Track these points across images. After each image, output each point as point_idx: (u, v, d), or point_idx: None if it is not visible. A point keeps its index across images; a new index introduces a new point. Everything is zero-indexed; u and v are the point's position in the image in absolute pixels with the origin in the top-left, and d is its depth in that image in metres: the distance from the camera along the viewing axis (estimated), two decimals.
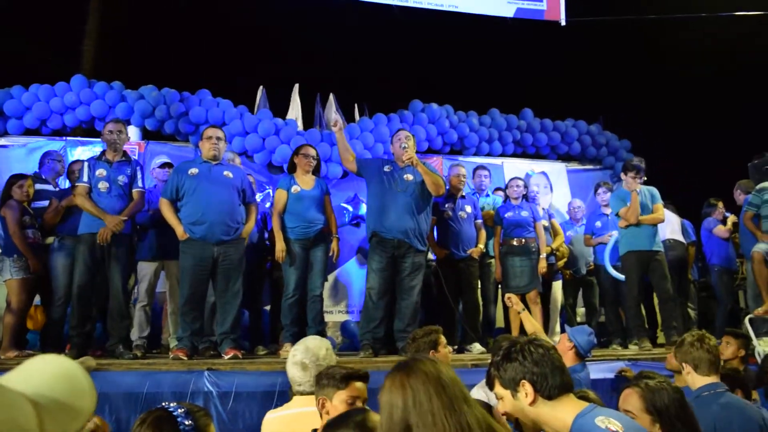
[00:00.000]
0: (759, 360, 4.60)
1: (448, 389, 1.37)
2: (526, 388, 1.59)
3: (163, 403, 1.73)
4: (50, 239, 5.12)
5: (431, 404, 1.35)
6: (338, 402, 2.09)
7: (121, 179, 4.79)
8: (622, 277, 5.94)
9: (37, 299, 5.23)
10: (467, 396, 1.41)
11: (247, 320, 5.72)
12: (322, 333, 5.71)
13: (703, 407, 2.36)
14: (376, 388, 1.65)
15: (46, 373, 0.78)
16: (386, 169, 5.03)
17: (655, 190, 5.74)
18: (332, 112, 7.31)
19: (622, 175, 5.79)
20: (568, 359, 3.38)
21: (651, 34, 11.49)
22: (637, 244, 5.55)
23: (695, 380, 2.58)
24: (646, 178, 5.65)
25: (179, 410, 1.61)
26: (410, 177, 5.00)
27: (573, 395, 1.63)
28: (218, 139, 4.84)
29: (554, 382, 1.59)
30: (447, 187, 5.50)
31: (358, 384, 2.19)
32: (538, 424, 1.63)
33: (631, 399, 1.95)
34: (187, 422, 1.58)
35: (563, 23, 8.32)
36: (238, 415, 3.86)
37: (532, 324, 4.05)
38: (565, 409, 1.58)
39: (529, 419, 1.63)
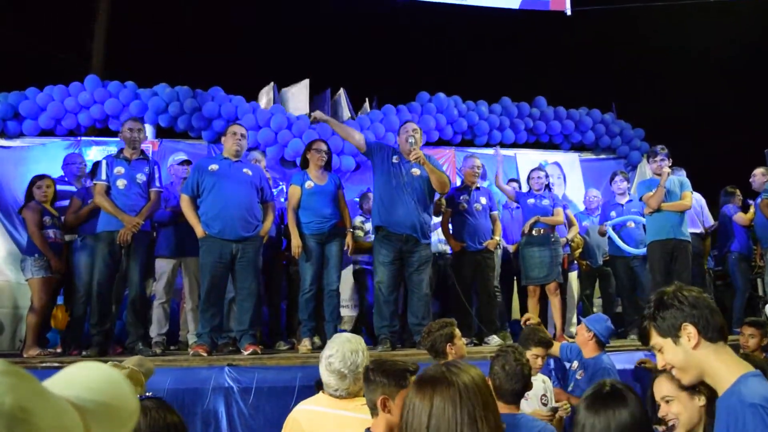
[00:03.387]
0: None
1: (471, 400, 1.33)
2: (689, 331, 1.54)
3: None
4: (69, 237, 5.17)
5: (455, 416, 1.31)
6: (401, 400, 2.01)
7: (140, 177, 4.84)
8: (635, 251, 5.94)
9: (59, 299, 5.30)
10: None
11: (265, 316, 5.76)
12: (356, 331, 5.78)
13: None
14: None
15: (87, 378, 0.75)
16: (394, 160, 4.99)
17: (685, 178, 5.65)
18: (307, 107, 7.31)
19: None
20: (591, 349, 3.36)
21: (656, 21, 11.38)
22: (661, 233, 5.48)
23: None
24: (670, 162, 5.56)
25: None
26: (417, 172, 4.96)
27: None
28: (242, 136, 4.91)
29: (714, 323, 1.54)
30: (453, 185, 5.48)
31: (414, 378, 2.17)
32: (700, 371, 1.56)
33: (663, 385, 1.94)
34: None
35: (568, 13, 8.22)
36: (259, 410, 3.88)
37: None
38: (729, 360, 1.53)
39: (691, 366, 1.56)
